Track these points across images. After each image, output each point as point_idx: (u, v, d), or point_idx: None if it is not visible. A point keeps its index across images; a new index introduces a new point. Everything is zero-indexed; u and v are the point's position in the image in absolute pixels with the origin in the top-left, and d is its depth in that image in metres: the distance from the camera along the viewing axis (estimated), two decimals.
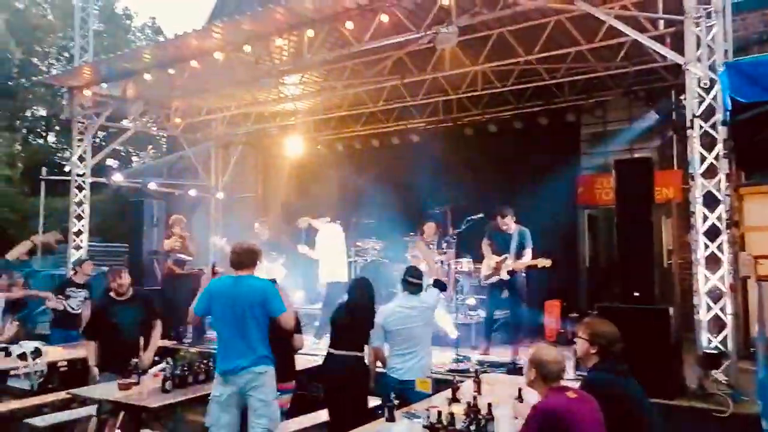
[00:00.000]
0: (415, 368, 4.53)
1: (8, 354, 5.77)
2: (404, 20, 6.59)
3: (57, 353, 6.09)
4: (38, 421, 4.95)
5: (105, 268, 10.87)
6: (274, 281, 4.63)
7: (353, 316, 4.79)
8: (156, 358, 5.30)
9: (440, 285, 4.99)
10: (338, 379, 4.65)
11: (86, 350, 5.26)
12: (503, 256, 6.94)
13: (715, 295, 5.13)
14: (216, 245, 9.06)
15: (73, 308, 7.22)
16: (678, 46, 6.42)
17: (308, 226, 8.37)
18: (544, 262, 6.84)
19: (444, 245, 8.22)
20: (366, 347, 4.79)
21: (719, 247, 5.13)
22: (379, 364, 4.85)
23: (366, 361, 4.77)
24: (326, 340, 5.40)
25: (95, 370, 5.16)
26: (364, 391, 4.70)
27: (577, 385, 3.27)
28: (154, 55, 8.43)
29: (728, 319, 5.05)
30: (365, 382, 4.71)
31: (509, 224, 6.93)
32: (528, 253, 6.88)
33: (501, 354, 6.91)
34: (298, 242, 8.57)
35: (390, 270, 8.72)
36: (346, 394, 4.58)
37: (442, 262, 7.85)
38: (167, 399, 4.45)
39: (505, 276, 6.94)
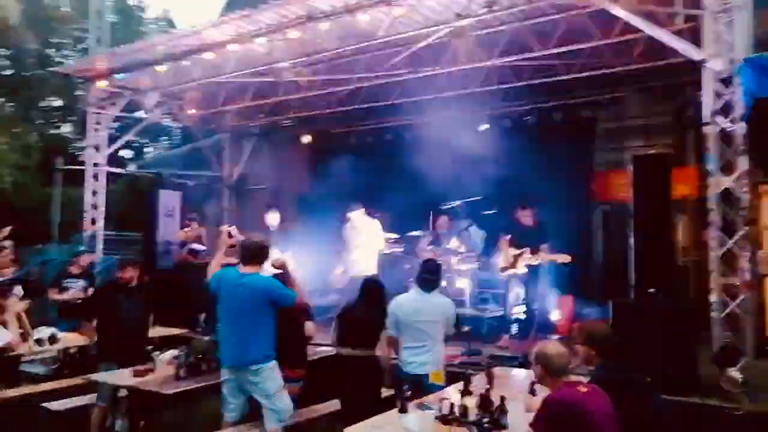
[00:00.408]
0: (427, 363, 4.52)
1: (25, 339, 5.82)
2: (419, 14, 6.57)
3: (68, 339, 6.17)
4: (55, 405, 5.02)
5: (118, 257, 11.04)
6: (283, 269, 4.60)
7: (365, 315, 4.77)
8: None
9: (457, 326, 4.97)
10: (347, 378, 4.64)
11: (82, 330, 5.17)
12: (521, 250, 6.91)
13: (732, 293, 5.09)
14: (224, 233, 9.08)
15: (72, 300, 7.08)
16: (696, 42, 6.37)
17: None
18: (564, 258, 6.81)
19: (457, 239, 8.20)
20: (377, 345, 4.76)
21: (736, 245, 5.08)
22: (393, 354, 4.85)
23: (378, 356, 4.75)
24: None
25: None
26: (377, 386, 4.68)
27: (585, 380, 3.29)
28: (169, 47, 8.47)
29: (745, 317, 5.01)
30: (377, 379, 4.69)
31: (529, 217, 6.90)
32: (545, 248, 6.84)
33: (514, 348, 6.90)
34: (309, 234, 8.57)
35: (402, 263, 8.73)
36: (356, 391, 4.57)
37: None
38: (181, 386, 4.50)
39: (522, 270, 6.91)
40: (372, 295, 4.89)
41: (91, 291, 7.20)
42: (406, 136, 10.44)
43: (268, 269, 4.55)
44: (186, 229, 8.96)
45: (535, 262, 6.83)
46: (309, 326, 4.84)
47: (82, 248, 7.90)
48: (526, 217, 6.91)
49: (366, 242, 8.03)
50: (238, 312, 4.22)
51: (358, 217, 8.12)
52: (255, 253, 4.36)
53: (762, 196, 7.09)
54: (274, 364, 4.30)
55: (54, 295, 7.04)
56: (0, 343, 5.15)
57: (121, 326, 5.15)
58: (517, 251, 6.93)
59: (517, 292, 7.16)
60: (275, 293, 4.26)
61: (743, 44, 5.22)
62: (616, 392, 3.04)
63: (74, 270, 7.32)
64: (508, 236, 7.08)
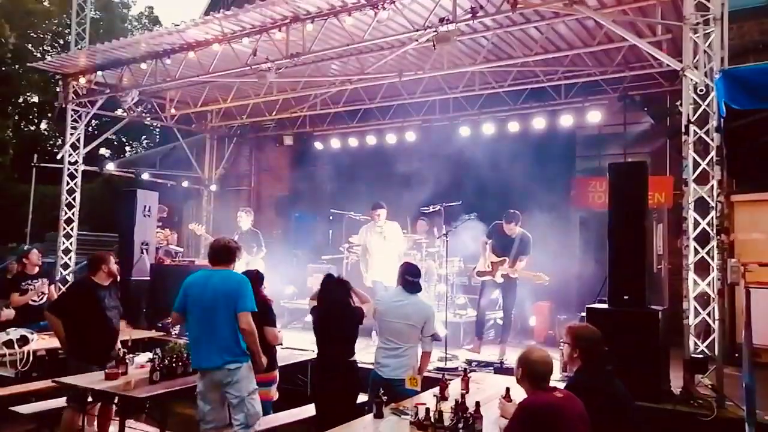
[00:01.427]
0: (400, 368, 4.47)
1: None
2: (404, 18, 6.59)
3: (41, 342, 6.03)
4: (23, 408, 4.91)
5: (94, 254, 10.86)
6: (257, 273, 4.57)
7: (329, 316, 4.61)
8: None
9: (436, 338, 4.85)
10: (325, 381, 4.54)
11: (54, 325, 4.94)
12: (501, 259, 6.95)
13: (704, 301, 5.17)
14: (195, 233, 9.01)
15: (35, 300, 6.81)
16: (674, 52, 6.49)
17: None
18: (542, 278, 6.88)
19: (436, 244, 8.23)
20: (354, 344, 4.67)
21: (709, 253, 5.17)
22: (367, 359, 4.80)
23: (357, 364, 4.62)
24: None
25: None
26: (353, 390, 4.58)
27: (563, 385, 3.30)
28: (152, 45, 8.38)
29: (715, 325, 5.09)
30: (353, 382, 4.56)
31: (513, 229, 6.95)
32: (524, 260, 6.89)
33: (490, 354, 6.93)
34: (287, 237, 8.52)
35: None
36: (333, 394, 4.48)
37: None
38: (154, 390, 4.43)
39: (499, 279, 6.96)
40: (339, 296, 4.67)
41: (50, 288, 6.99)
42: (389, 139, 10.45)
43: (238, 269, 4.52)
44: (165, 231, 8.88)
45: (512, 275, 6.88)
46: (269, 331, 4.72)
47: (26, 247, 7.49)
48: (509, 231, 6.95)
49: (390, 246, 7.65)
50: (210, 307, 4.13)
51: (382, 218, 7.67)
52: (223, 254, 4.33)
53: (734, 206, 7.23)
54: (249, 364, 4.26)
55: (16, 299, 6.69)
56: None
57: (97, 325, 4.99)
58: (497, 259, 6.97)
59: (490, 297, 7.19)
60: (242, 293, 4.17)
61: (721, 55, 5.31)
62: (593, 397, 3.06)
63: (29, 270, 6.91)
64: (490, 241, 7.12)
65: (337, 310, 4.60)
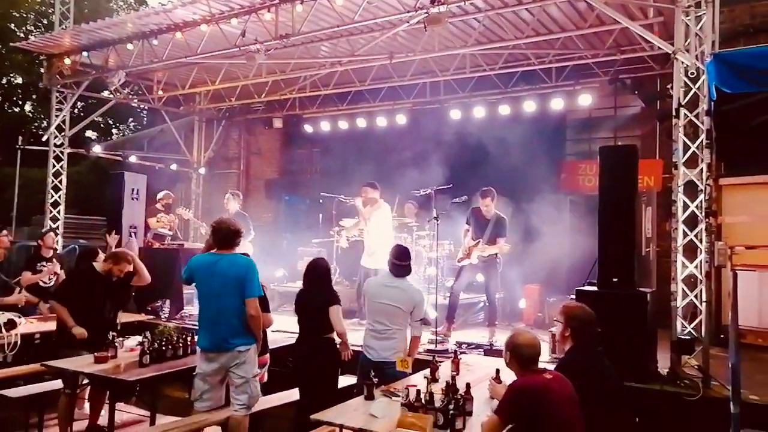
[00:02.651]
0: (389, 350, 4.49)
1: None
2: None
3: (31, 326, 6.00)
4: (11, 392, 4.88)
5: (82, 241, 10.77)
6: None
7: (311, 299, 4.70)
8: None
9: (426, 323, 4.88)
10: (306, 363, 4.58)
11: (59, 314, 4.94)
12: (476, 241, 6.98)
13: (691, 283, 5.23)
14: (183, 217, 8.96)
15: (45, 282, 7.00)
16: (665, 35, 6.48)
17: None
18: (503, 249, 6.87)
19: (427, 227, 8.23)
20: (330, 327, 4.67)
21: (697, 236, 5.22)
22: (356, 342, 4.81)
23: (335, 342, 4.66)
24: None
25: (80, 329, 4.85)
26: (333, 373, 4.64)
27: (552, 367, 3.33)
28: (138, 25, 8.24)
29: (702, 307, 5.15)
30: (333, 364, 4.63)
31: (489, 207, 6.94)
32: (500, 241, 6.90)
33: (480, 336, 6.98)
34: (277, 220, 8.48)
35: None
36: (314, 378, 4.53)
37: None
38: (144, 373, 4.42)
39: (474, 261, 6.97)
40: (317, 277, 4.77)
41: (57, 271, 7.05)
42: (379, 122, 10.39)
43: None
44: (158, 216, 8.80)
45: (485, 254, 6.90)
46: (266, 317, 4.73)
47: (46, 228, 7.65)
48: (485, 207, 6.95)
49: (377, 229, 7.52)
50: (220, 290, 4.17)
51: (372, 197, 7.49)
52: (229, 238, 4.33)
53: (723, 189, 7.28)
54: (255, 347, 4.30)
55: (28, 277, 6.85)
56: None
57: (96, 314, 5.00)
58: (473, 243, 7.00)
59: (466, 281, 7.20)
60: (249, 277, 4.22)
61: (712, 39, 5.31)
62: (583, 377, 3.09)
63: (44, 252, 7.14)
64: (468, 227, 7.14)
65: (316, 290, 4.70)
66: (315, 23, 7.27)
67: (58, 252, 7.64)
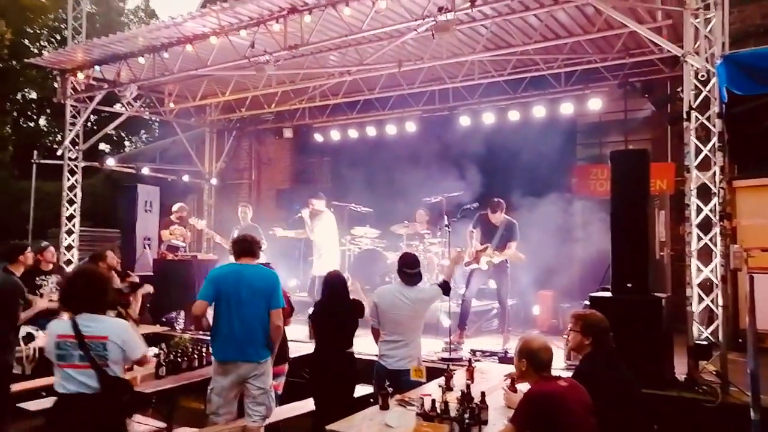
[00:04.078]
0: (405, 358, 4.49)
1: None
2: (402, 7, 6.54)
3: (44, 339, 6.03)
4: (31, 405, 4.93)
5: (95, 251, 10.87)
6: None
7: (332, 313, 4.70)
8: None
9: (446, 289, 4.82)
10: (325, 377, 4.58)
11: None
12: (484, 246, 6.96)
13: (707, 287, 5.18)
14: (196, 227, 9.05)
15: (52, 300, 6.65)
16: (674, 38, 6.45)
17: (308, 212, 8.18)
18: (518, 258, 6.87)
19: (438, 234, 8.23)
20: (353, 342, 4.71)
21: (712, 240, 5.17)
22: (372, 351, 4.83)
23: (354, 356, 4.69)
24: None
25: None
26: (351, 388, 4.65)
27: (568, 374, 3.31)
28: (149, 39, 8.34)
29: (719, 311, 5.10)
30: (352, 380, 4.64)
31: (498, 218, 6.94)
32: (512, 246, 6.88)
33: (493, 343, 6.95)
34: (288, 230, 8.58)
35: (385, 259, 8.73)
36: (332, 392, 4.53)
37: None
38: (160, 385, 4.46)
39: (483, 266, 6.95)
40: (335, 291, 4.79)
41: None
42: (389, 130, 10.42)
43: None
44: (171, 228, 8.87)
45: (495, 260, 6.89)
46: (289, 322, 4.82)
47: (43, 243, 7.62)
48: (495, 219, 6.96)
49: (322, 237, 8.00)
50: (245, 300, 4.20)
51: (318, 209, 8.01)
52: (253, 248, 4.44)
53: (737, 192, 7.21)
54: (271, 358, 4.33)
55: (28, 295, 6.71)
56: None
57: None
58: (480, 247, 6.99)
59: (477, 287, 7.20)
60: (276, 289, 4.29)
61: (722, 41, 5.28)
62: (601, 387, 3.07)
63: (44, 266, 6.88)
64: (475, 231, 7.14)
65: (336, 303, 4.69)
66: (323, 33, 7.32)
67: (69, 267, 7.59)
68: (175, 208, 9.11)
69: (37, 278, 6.79)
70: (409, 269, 4.67)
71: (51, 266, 7.01)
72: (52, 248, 7.16)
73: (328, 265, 7.76)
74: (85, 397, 3.13)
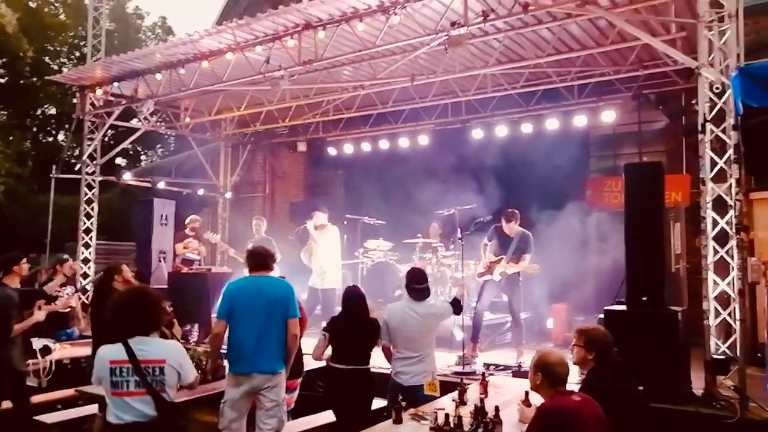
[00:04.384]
0: (419, 373, 4.49)
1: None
2: (416, 22, 6.60)
3: (63, 351, 6.12)
4: (47, 418, 4.98)
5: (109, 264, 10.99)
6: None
7: (349, 328, 4.68)
8: None
9: (457, 308, 4.82)
10: (340, 393, 4.57)
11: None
12: (498, 258, 6.94)
13: (724, 301, 5.11)
14: (210, 241, 9.10)
15: (62, 309, 6.97)
16: (688, 50, 6.43)
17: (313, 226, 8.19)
18: (532, 269, 6.83)
19: (451, 247, 8.22)
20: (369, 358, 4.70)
21: (728, 253, 5.11)
22: (385, 365, 4.82)
23: (368, 368, 4.68)
24: None
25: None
26: (368, 403, 4.63)
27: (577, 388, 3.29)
28: (166, 55, 8.49)
29: (737, 325, 5.03)
30: (369, 395, 4.62)
31: (512, 228, 6.92)
32: (527, 258, 6.86)
33: (507, 356, 6.90)
34: (302, 242, 8.57)
35: (397, 272, 8.73)
36: (348, 407, 4.52)
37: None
38: (174, 397, 4.45)
39: (496, 277, 6.93)
40: (354, 306, 4.78)
41: (78, 297, 7.16)
42: (402, 143, 10.47)
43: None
44: (185, 242, 8.94)
45: (509, 271, 6.86)
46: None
47: (65, 256, 7.75)
48: (508, 229, 6.94)
49: (326, 251, 8.00)
50: (261, 312, 4.22)
51: (316, 222, 8.01)
52: (267, 260, 4.47)
53: (754, 204, 7.13)
54: (284, 370, 4.34)
55: (44, 307, 6.87)
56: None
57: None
58: (495, 258, 6.97)
59: (490, 299, 7.18)
60: (292, 299, 4.33)
61: (737, 52, 5.26)
62: (608, 400, 3.04)
63: (59, 279, 6.96)
64: (490, 243, 7.12)
65: (354, 318, 4.69)
66: (337, 48, 7.40)
67: (86, 280, 7.68)
68: (187, 221, 9.18)
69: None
70: (418, 284, 4.68)
71: (64, 279, 7.17)
72: (71, 262, 7.37)
73: (330, 278, 7.92)
74: (141, 426, 2.96)
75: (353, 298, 4.80)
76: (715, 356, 5.01)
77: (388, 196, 9.74)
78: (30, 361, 5.67)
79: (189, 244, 8.88)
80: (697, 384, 5.08)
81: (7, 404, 5.01)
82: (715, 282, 5.13)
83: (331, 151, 11.49)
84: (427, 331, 4.58)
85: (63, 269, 7.15)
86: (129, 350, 2.98)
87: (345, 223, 10.03)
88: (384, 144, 10.70)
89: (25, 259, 5.27)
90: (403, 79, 8.35)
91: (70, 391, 5.15)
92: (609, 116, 8.66)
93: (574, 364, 3.43)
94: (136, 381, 2.96)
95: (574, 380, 5.02)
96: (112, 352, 3.02)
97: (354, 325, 4.69)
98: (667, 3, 6.27)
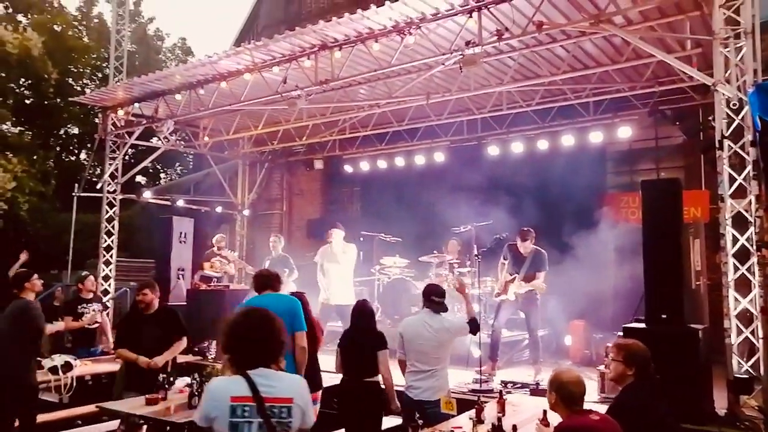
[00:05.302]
0: (431, 388, 4.47)
1: (41, 367, 5.82)
2: (431, 42, 6.68)
3: (84, 368, 6.20)
4: None
5: (133, 284, 11.14)
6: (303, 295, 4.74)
7: (356, 342, 4.77)
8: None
9: (474, 328, 4.80)
10: (351, 405, 4.61)
11: (122, 355, 5.14)
12: (512, 276, 6.93)
13: (746, 319, 5.03)
14: (229, 258, 9.20)
15: (89, 325, 7.03)
16: (704, 66, 6.41)
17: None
18: (539, 287, 6.80)
19: (468, 264, 8.20)
20: (379, 371, 4.72)
21: (749, 270, 5.05)
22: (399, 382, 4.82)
23: (380, 385, 4.70)
24: None
25: (145, 359, 5.02)
26: (377, 416, 4.66)
27: (602, 407, 3.25)
28: (186, 77, 8.66)
29: (760, 343, 4.94)
30: (378, 409, 4.65)
31: (527, 247, 6.91)
32: (541, 276, 6.83)
33: (525, 374, 6.84)
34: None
35: (413, 288, 8.72)
36: (358, 420, 4.55)
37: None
38: (192, 415, 4.48)
39: (511, 297, 6.91)
40: (362, 317, 4.89)
41: (103, 315, 7.28)
42: (417, 160, 10.52)
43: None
44: (213, 260, 9.05)
45: (522, 291, 6.84)
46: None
47: (84, 272, 7.89)
48: (523, 248, 6.93)
49: (346, 268, 8.12)
50: None
51: (337, 240, 8.10)
52: (272, 280, 4.57)
53: None
54: None
55: (70, 323, 6.93)
56: None
57: (142, 353, 5.08)
58: (510, 277, 6.95)
59: (506, 317, 7.15)
60: (297, 312, 4.39)
61: (753, 68, 5.23)
62: (644, 417, 3.01)
63: (84, 294, 7.23)
64: (504, 261, 7.11)
65: (362, 332, 4.78)
66: (353, 68, 7.50)
67: (106, 297, 7.82)
68: (214, 240, 9.33)
69: (79, 306, 7.12)
70: (437, 297, 4.70)
71: (91, 294, 7.34)
72: (92, 277, 7.51)
73: (349, 295, 8.03)
74: None
75: (361, 311, 4.93)
76: (737, 375, 4.92)
77: (404, 213, 9.77)
78: (52, 378, 5.74)
79: (215, 263, 9.00)
80: (720, 403, 4.99)
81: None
82: (736, 299, 5.06)
83: (348, 168, 11.58)
84: (439, 345, 4.56)
85: (86, 285, 7.26)
86: (252, 385, 2.38)
87: (361, 239, 10.07)
88: (400, 161, 10.76)
89: (36, 276, 5.35)
90: (419, 98, 8.42)
91: (90, 408, 5.21)
92: (625, 132, 8.64)
93: (610, 380, 3.38)
94: (259, 424, 2.35)
95: (592, 399, 5.00)
96: (233, 386, 2.40)
97: (361, 336, 4.79)
98: (682, 20, 6.28)
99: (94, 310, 7.11)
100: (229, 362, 2.53)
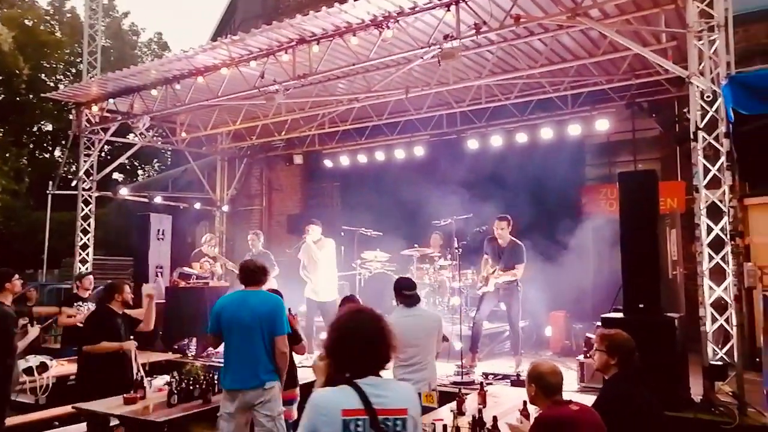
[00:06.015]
0: (420, 381, 4.43)
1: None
2: (409, 36, 6.66)
3: (60, 368, 6.10)
4: None
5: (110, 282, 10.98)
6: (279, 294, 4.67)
7: None
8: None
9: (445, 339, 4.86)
10: None
11: (101, 348, 4.99)
12: (493, 269, 6.98)
13: (721, 307, 5.13)
14: (209, 255, 9.11)
15: (80, 323, 6.90)
16: (680, 59, 6.50)
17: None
18: (510, 275, 6.84)
19: (449, 257, 8.23)
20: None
21: (724, 259, 5.14)
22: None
23: None
24: None
25: (130, 343, 5.01)
26: None
27: (582, 397, 3.28)
28: (161, 72, 8.53)
29: (734, 331, 5.04)
30: None
31: (503, 233, 6.95)
32: (519, 268, 6.88)
33: (506, 366, 6.90)
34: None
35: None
36: None
37: None
38: (172, 413, 4.44)
39: (491, 288, 6.96)
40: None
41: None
42: (397, 154, 10.51)
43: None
44: (201, 261, 8.94)
45: (500, 280, 6.89)
46: (298, 348, 4.83)
47: (83, 271, 7.84)
48: (499, 230, 6.95)
49: (326, 264, 7.98)
50: (249, 326, 4.22)
51: (313, 236, 7.95)
52: (257, 274, 4.46)
53: (749, 210, 7.18)
54: (279, 384, 4.32)
55: (64, 319, 6.97)
56: None
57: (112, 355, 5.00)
58: (491, 270, 7.01)
59: (487, 310, 7.20)
60: (278, 314, 4.31)
61: (727, 61, 5.31)
62: (629, 405, 3.04)
63: (81, 293, 7.31)
64: (486, 255, 7.16)
65: None
66: (331, 62, 7.45)
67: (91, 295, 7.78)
68: (203, 239, 9.27)
69: (75, 304, 7.16)
70: (408, 290, 4.67)
71: (87, 293, 7.37)
72: (90, 277, 7.58)
73: (330, 291, 7.91)
74: None
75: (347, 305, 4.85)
76: (712, 362, 5.01)
77: (385, 207, 9.76)
78: (27, 379, 5.64)
79: (204, 264, 8.90)
80: (696, 390, 5.09)
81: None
82: (711, 288, 5.15)
83: (328, 163, 11.53)
84: (426, 334, 4.56)
85: (84, 284, 7.34)
86: (363, 396, 2.09)
87: (342, 234, 10.04)
88: (380, 156, 10.74)
89: (16, 276, 5.25)
90: (398, 92, 8.40)
91: (67, 408, 5.12)
92: (603, 125, 8.73)
93: (596, 369, 3.41)
94: None
95: (572, 388, 5.05)
96: (342, 398, 2.09)
97: None
98: (657, 13, 6.35)
99: (88, 309, 7.05)
100: (332, 367, 2.25)
